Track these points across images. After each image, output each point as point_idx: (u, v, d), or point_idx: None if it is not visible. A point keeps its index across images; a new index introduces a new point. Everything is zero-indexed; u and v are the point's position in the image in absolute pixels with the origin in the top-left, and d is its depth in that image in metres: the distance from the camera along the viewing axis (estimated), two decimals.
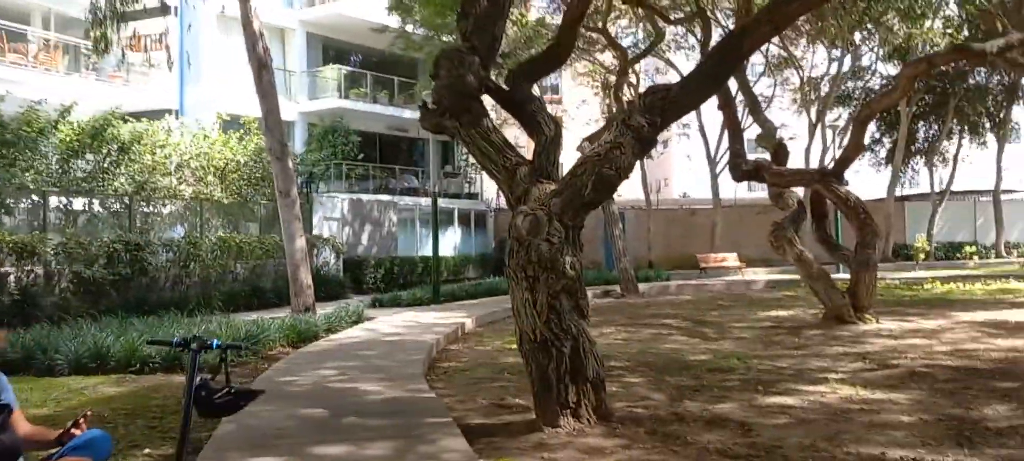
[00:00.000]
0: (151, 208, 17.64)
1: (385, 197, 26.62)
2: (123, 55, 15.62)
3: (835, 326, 13.62)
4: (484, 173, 37.39)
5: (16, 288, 13.88)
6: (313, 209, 23.04)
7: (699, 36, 26.80)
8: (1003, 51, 12.25)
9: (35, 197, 15.73)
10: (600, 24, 22.52)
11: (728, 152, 16.79)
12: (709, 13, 19.69)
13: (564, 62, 9.43)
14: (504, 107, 7.64)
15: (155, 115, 20.96)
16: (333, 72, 27.15)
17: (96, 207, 16.77)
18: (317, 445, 5.85)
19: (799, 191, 16.58)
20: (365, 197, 25.70)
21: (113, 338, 10.47)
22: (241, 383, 9.90)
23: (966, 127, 31.77)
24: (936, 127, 32.30)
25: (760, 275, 26.62)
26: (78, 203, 16.39)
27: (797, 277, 25.06)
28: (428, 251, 26.59)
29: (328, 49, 28.30)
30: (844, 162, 14.38)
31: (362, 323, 14.71)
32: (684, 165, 38.24)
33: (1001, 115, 31.37)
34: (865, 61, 30.57)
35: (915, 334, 12.45)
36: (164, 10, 23.94)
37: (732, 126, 15.48)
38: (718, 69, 7.04)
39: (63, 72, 21.33)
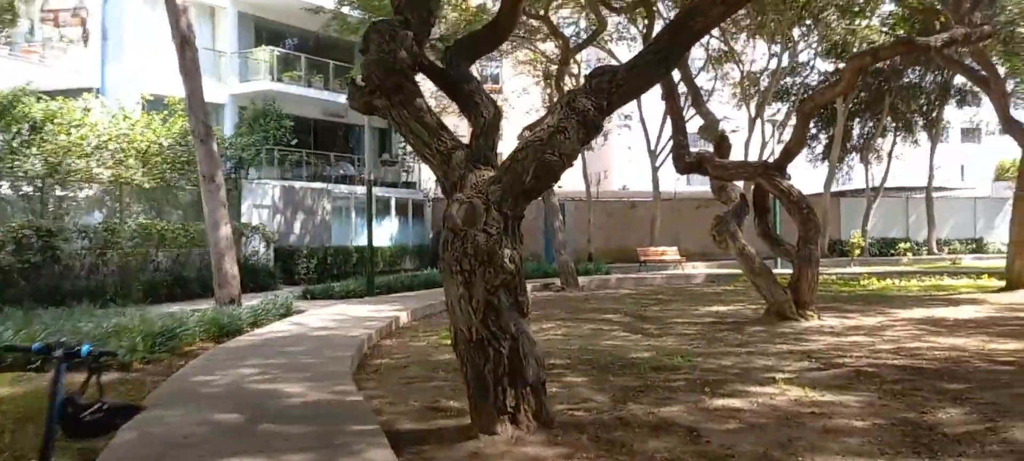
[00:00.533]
0: (66, 192, 16.52)
1: (319, 185, 25.74)
2: (31, 27, 14.51)
3: (777, 322, 13.45)
4: (421, 161, 36.67)
5: None
6: (242, 196, 22.08)
7: (642, 27, 26.62)
8: (946, 45, 12.17)
9: None
10: (541, 11, 22.07)
11: (670, 144, 16.60)
12: (653, 2, 19.40)
13: (504, 40, 8.90)
14: (440, 86, 7.09)
15: (74, 94, 19.72)
16: (265, 54, 26.11)
17: (4, 189, 15.62)
18: (226, 457, 5.24)
19: (740, 185, 16.40)
20: (298, 184, 24.80)
21: (12, 332, 9.60)
22: (153, 384, 9.20)
23: (900, 125, 32.29)
24: (871, 124, 32.79)
25: (700, 269, 26.58)
26: None
27: (737, 272, 25.14)
28: (363, 241, 25.83)
29: (261, 30, 27.23)
30: (787, 155, 14.21)
31: (291, 316, 14.00)
32: (625, 157, 38.24)
33: (933, 114, 31.98)
34: (803, 57, 30.78)
35: (857, 331, 12.32)
36: None
37: (675, 117, 15.19)
38: (669, 50, 6.60)
39: None
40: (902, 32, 19.47)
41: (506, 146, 31.48)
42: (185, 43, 14.55)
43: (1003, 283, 18.81)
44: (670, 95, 15.45)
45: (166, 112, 19.54)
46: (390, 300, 17.18)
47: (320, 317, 13.87)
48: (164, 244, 17.85)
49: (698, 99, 17.21)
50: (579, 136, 6.21)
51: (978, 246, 32.66)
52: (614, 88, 6.37)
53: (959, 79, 30.96)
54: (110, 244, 16.52)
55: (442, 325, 14.11)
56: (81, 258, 15.98)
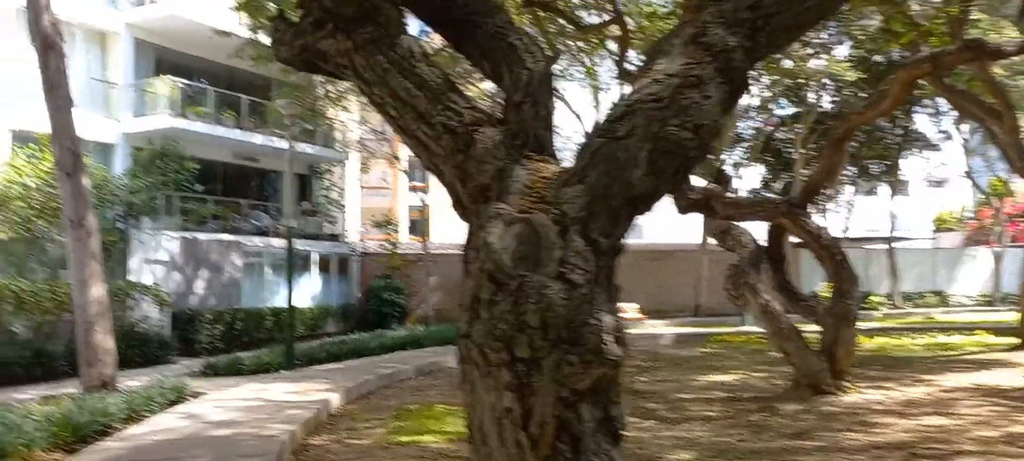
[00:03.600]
0: None
1: (228, 237, 22.09)
2: None
3: (811, 397, 10.75)
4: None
5: None
6: (130, 249, 18.29)
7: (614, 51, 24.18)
8: (1019, 51, 9.89)
9: None
10: None
11: None
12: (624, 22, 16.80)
13: None
14: (439, 27, 4.04)
15: None
16: (166, 86, 22.45)
17: None
18: None
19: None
20: (202, 236, 21.08)
21: None
22: None
23: (858, 173, 30.72)
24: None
25: (660, 328, 23.84)
26: None
27: (707, 331, 22.73)
28: (280, 302, 22.20)
29: (162, 61, 23.56)
30: (812, 190, 11.68)
31: (183, 403, 10.50)
32: None
33: (894, 162, 30.50)
34: (756, 101, 28.88)
35: (918, 410, 9.77)
36: None
37: None
38: None
39: None
40: (897, 50, 17.39)
41: None
42: (49, 47, 11.16)
43: (1019, 340, 16.70)
44: None
45: (34, 147, 15.80)
46: (314, 375, 13.75)
47: (223, 404, 10.40)
48: (22, 309, 14.02)
49: None
50: (721, 94, 3.26)
51: (941, 299, 31.09)
52: (761, 20, 3.45)
53: (919, 125, 29.61)
54: None
55: (385, 409, 10.87)
56: None
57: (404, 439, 8.67)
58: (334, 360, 16.07)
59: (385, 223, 27.66)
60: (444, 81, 3.57)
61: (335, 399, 11.19)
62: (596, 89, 26.36)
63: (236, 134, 23.78)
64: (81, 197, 11.24)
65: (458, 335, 3.11)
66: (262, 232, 23.92)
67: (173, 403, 10.33)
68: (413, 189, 34.83)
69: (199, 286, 20.51)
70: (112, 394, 10.06)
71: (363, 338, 18.81)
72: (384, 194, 39.45)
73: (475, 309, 2.97)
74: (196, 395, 11.12)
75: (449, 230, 31.24)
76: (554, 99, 3.69)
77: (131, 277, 17.84)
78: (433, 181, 28.71)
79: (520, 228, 2.98)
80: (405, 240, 33.61)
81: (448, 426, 9.32)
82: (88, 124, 17.69)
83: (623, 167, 3.05)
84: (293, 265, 16.31)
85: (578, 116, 27.19)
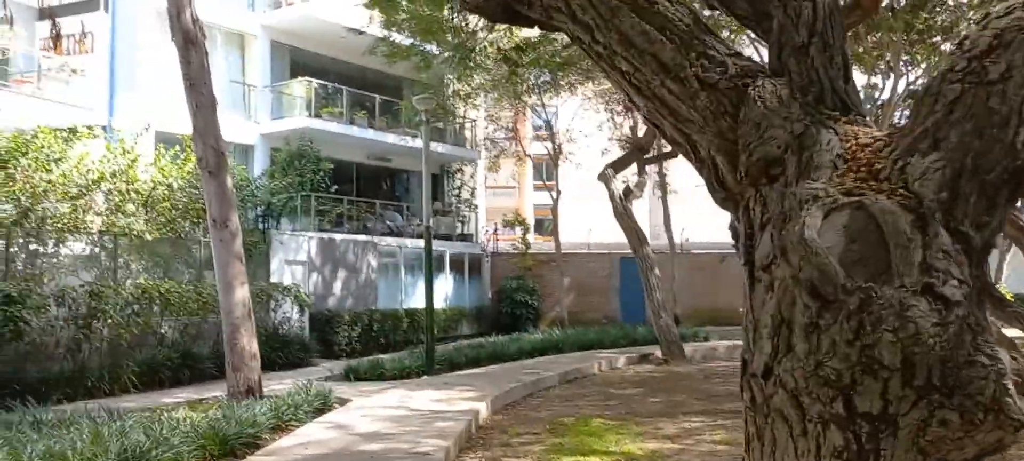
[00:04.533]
0: (39, 246, 12.80)
1: (363, 237, 21.96)
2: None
3: None
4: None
5: None
6: (271, 250, 18.30)
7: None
8: None
9: None
10: None
11: None
12: None
13: None
14: None
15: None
16: (301, 87, 22.59)
17: None
18: None
19: None
20: (338, 236, 21.00)
21: None
22: None
23: None
24: None
25: None
26: None
27: None
28: (414, 303, 21.92)
29: (296, 62, 23.76)
30: None
31: (329, 412, 10.01)
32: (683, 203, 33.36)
33: None
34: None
35: None
36: (92, 4, 19.43)
37: None
38: None
39: None
40: None
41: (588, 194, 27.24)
42: (189, 42, 10.92)
43: None
44: None
45: (177, 148, 15.93)
46: (457, 382, 13.11)
47: (370, 414, 9.85)
48: (169, 311, 14.05)
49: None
50: None
51: None
52: None
53: None
54: (96, 313, 12.75)
55: (536, 421, 10.04)
56: (56, 333, 12.21)
57: (566, 460, 7.82)
58: (474, 365, 15.47)
59: (517, 222, 27.03)
60: (694, 21, 2.64)
61: (482, 409, 10.47)
62: None
63: (369, 134, 23.70)
64: (225, 197, 10.98)
65: (745, 372, 2.18)
66: (395, 232, 23.72)
67: (319, 411, 9.87)
68: (538, 187, 34.14)
69: (336, 287, 20.43)
70: (258, 402, 9.70)
71: (500, 342, 18.19)
72: (508, 193, 38.91)
73: (784, 337, 2.03)
74: (342, 402, 10.65)
75: (574, 229, 30.39)
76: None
77: (273, 278, 17.81)
78: (562, 178, 27.90)
79: (849, 218, 2.01)
80: (531, 239, 32.92)
81: (611, 445, 8.41)
82: (228, 126, 17.78)
83: (1000, 124, 2.03)
84: (433, 264, 15.80)
85: None
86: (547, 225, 33.98)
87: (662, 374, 15.22)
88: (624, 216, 17.84)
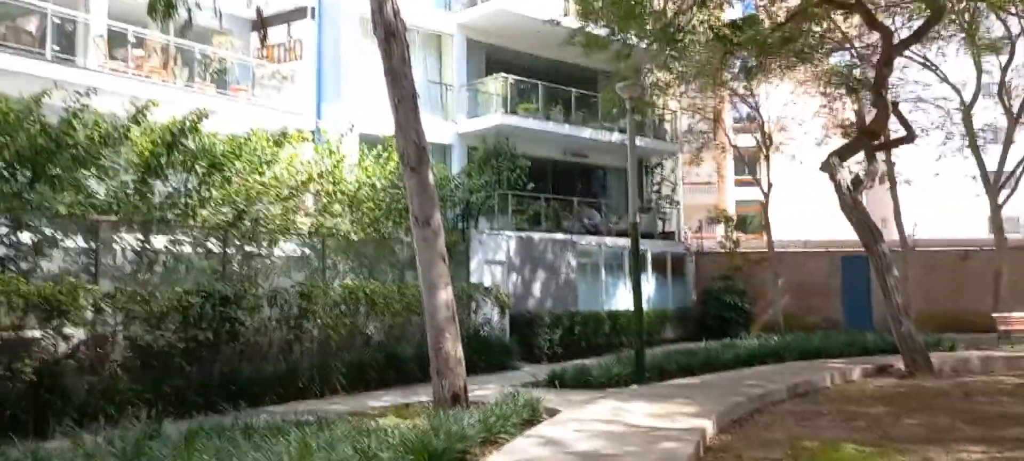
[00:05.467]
0: (253, 248, 12.95)
1: (561, 236, 21.21)
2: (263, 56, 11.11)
3: None
4: (674, 207, 30.76)
5: (38, 363, 9.35)
6: (470, 249, 17.91)
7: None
8: None
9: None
10: None
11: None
12: None
13: None
14: None
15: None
16: (497, 84, 22.20)
17: (183, 246, 12.26)
18: None
19: None
20: (537, 235, 20.37)
21: None
22: None
23: None
24: None
25: None
26: (157, 241, 11.91)
27: None
28: (616, 305, 20.88)
29: (491, 59, 23.46)
30: None
31: (538, 424, 9.18)
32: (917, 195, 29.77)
33: None
34: None
35: None
36: (300, 13, 19.99)
37: None
38: None
39: (181, 84, 17.47)
40: None
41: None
42: (391, 35, 10.50)
43: None
44: None
45: (379, 148, 15.85)
46: (671, 393, 11.93)
47: (583, 428, 8.91)
48: (375, 311, 13.88)
49: None
50: None
51: None
52: None
53: None
54: (307, 313, 12.73)
55: (775, 445, 8.69)
56: (267, 333, 12.26)
57: None
58: (687, 373, 14.21)
59: (723, 219, 25.33)
60: None
61: (707, 426, 9.25)
62: (981, 51, 21.67)
63: (565, 129, 22.99)
64: (427, 194, 10.46)
65: None
66: (593, 231, 22.82)
67: (529, 422, 9.08)
68: (740, 182, 32.09)
69: (535, 288, 19.82)
70: (465, 411, 9.05)
71: (712, 348, 16.78)
72: (707, 189, 36.93)
73: None
74: (551, 413, 9.82)
75: (785, 226, 28.00)
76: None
77: (473, 279, 17.43)
78: (774, 169, 25.73)
79: None
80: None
81: None
82: (426, 127, 17.63)
83: None
84: (639, 264, 14.70)
85: (956, 88, 22.66)
86: (750, 221, 31.75)
87: (909, 390, 13.22)
88: (854, 209, 15.86)
